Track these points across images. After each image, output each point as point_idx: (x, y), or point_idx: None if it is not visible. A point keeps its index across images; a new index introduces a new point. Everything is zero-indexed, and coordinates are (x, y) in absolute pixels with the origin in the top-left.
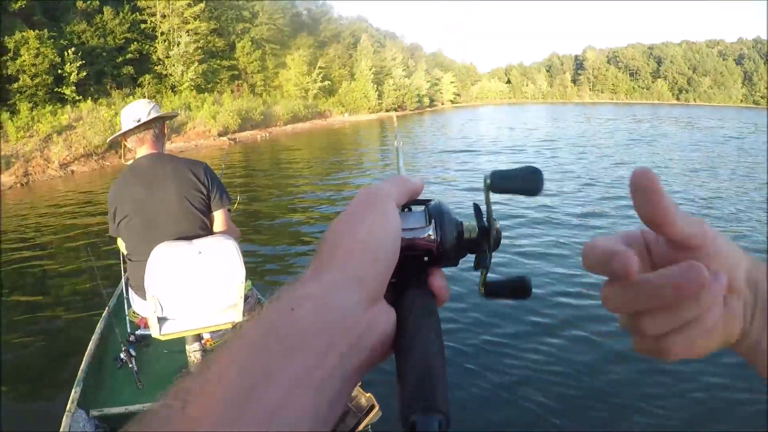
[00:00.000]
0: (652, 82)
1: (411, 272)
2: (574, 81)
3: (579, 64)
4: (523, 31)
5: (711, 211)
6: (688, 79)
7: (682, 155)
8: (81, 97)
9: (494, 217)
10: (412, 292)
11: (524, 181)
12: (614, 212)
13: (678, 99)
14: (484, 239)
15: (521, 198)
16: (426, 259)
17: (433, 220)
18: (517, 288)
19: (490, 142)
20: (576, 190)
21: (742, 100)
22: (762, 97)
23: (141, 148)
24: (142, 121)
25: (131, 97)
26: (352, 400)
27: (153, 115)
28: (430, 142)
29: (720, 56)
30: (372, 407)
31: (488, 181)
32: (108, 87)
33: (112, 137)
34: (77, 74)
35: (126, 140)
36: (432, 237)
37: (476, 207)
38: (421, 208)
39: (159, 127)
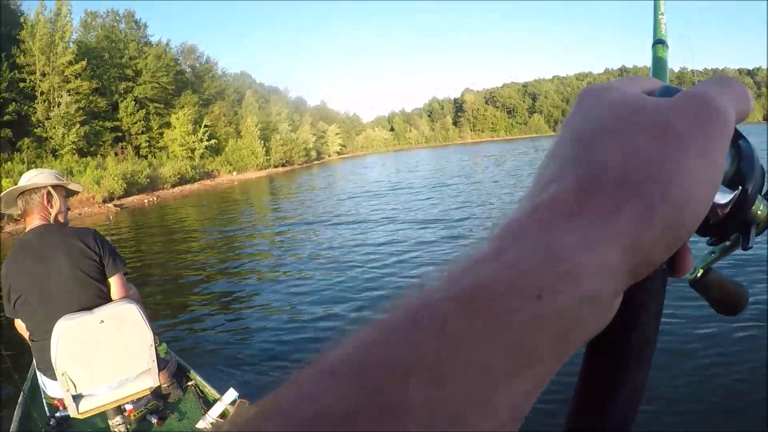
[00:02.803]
0: (529, 117)
1: None
2: (455, 123)
3: (459, 107)
4: (403, 79)
5: None
6: (562, 111)
7: None
8: None
9: None
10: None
11: None
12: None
13: (554, 130)
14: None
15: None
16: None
17: (741, 184)
18: (733, 298)
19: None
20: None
21: None
22: None
23: (28, 220)
24: (19, 187)
25: (9, 162)
26: None
27: (32, 183)
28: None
29: None
30: None
31: None
32: None
33: None
34: None
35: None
36: (730, 203)
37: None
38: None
39: (42, 196)
